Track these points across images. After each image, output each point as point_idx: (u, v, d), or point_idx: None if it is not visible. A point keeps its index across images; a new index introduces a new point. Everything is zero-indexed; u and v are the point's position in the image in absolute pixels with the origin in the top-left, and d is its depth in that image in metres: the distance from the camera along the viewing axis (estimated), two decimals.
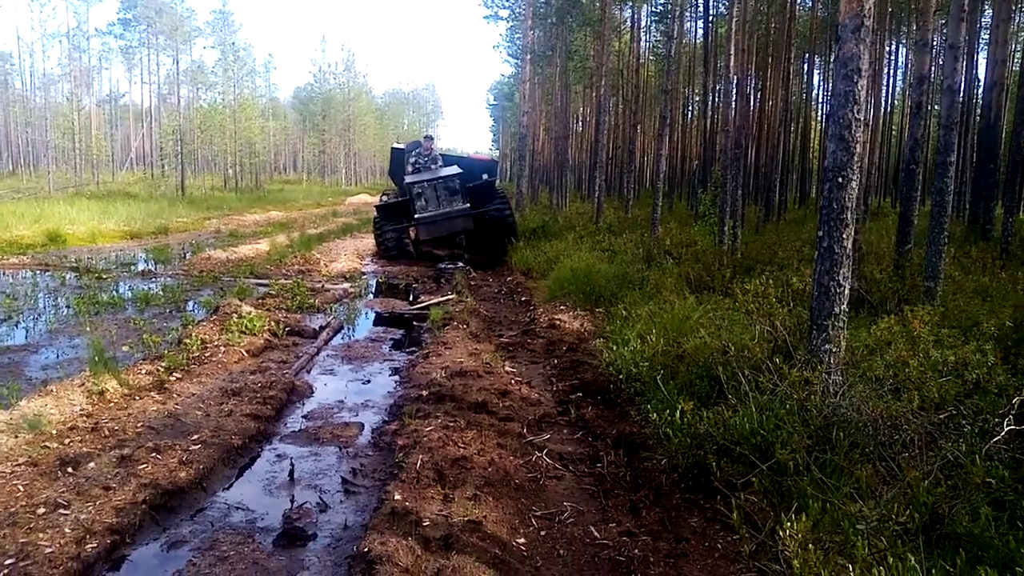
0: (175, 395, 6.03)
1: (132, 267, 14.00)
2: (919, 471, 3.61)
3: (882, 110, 33.39)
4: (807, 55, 27.22)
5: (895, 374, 4.38)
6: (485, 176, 16.77)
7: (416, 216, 15.47)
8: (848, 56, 4.56)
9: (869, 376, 4.47)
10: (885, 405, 4.06)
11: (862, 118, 4.63)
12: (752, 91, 29.38)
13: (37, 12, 55.34)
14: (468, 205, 15.63)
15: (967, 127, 22.15)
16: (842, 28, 4.60)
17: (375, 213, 17.56)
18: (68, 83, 45.74)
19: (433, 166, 16.67)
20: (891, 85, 32.64)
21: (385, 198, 17.04)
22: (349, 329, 9.46)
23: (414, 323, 9.80)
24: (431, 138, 17.14)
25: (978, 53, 24.39)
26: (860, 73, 4.55)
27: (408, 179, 15.75)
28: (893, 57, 32.23)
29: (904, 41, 31.06)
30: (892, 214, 21.12)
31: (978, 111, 20.69)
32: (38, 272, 12.89)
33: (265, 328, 8.36)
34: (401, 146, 17.82)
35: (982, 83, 20.85)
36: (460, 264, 15.09)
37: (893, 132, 35.39)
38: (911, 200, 8.78)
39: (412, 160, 16.58)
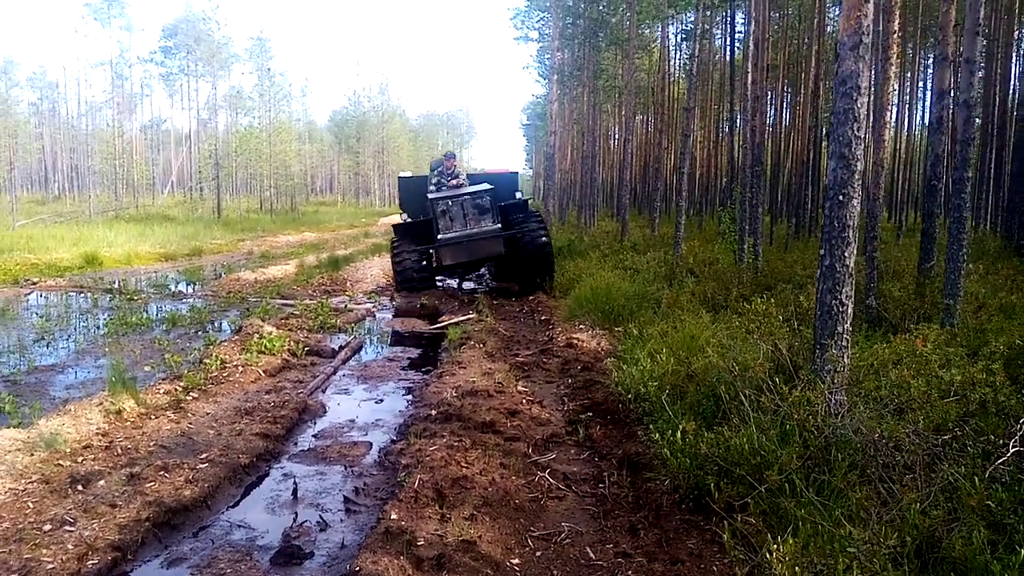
0: (190, 414, 6.16)
1: (164, 288, 14.35)
2: (917, 493, 3.55)
3: (915, 125, 32.91)
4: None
5: (898, 394, 4.30)
6: (489, 188, 14.02)
7: (439, 236, 13.26)
8: (847, 74, 4.54)
9: (872, 396, 4.40)
10: (886, 426, 3.99)
11: (863, 136, 4.60)
12: (783, 107, 29.24)
13: (82, 42, 57.35)
14: (500, 226, 13.47)
15: (1003, 142, 21.69)
16: (841, 46, 4.59)
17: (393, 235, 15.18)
18: (111, 110, 47.20)
19: (455, 185, 14.39)
20: (924, 100, 32.16)
21: (406, 217, 14.80)
22: (367, 349, 9.57)
23: (432, 343, 9.87)
24: (453, 155, 15.00)
25: (1012, 65, 23.91)
26: (860, 91, 4.52)
27: (432, 195, 13.61)
28: (927, 72, 31.81)
29: (937, 55, 30.60)
30: None
31: (1013, 126, 20.25)
32: (73, 294, 13.28)
33: (284, 348, 8.50)
34: (408, 175, 16.11)
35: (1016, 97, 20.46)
36: (480, 287, 14.46)
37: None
38: (933, 216, 8.63)
39: (435, 180, 14.48)
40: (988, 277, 9.89)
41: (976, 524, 3.28)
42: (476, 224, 13.33)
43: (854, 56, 4.59)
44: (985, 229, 22.18)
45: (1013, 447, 3.76)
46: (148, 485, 4.47)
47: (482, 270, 16.90)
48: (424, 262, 13.74)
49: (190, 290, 14.22)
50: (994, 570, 2.91)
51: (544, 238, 13.68)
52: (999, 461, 3.70)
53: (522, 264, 13.92)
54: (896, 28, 9.55)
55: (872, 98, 10.21)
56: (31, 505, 4.17)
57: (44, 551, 3.65)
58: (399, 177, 16.00)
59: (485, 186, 13.70)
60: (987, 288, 8.75)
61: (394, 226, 14.72)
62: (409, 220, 14.35)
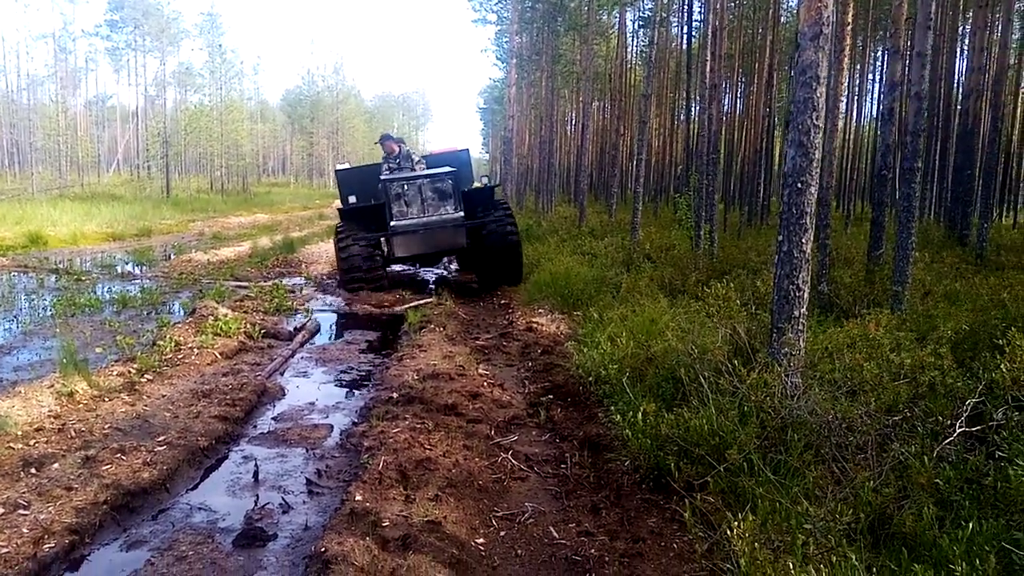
0: (145, 397, 6.03)
1: (112, 269, 13.95)
2: (869, 472, 3.69)
3: (866, 116, 33.74)
4: (792, 61, 27.45)
5: (851, 377, 4.45)
6: (451, 170, 12.29)
7: (393, 223, 11.61)
8: (807, 63, 4.64)
9: (827, 379, 4.54)
10: (840, 407, 4.13)
11: (821, 124, 4.71)
12: (739, 97, 29.68)
13: (22, 13, 55.09)
14: (462, 215, 11.92)
15: (948, 134, 22.39)
16: (801, 36, 4.68)
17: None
18: (54, 84, 45.52)
19: (411, 166, 12.68)
20: (874, 92, 32.98)
21: (352, 199, 12.52)
22: (325, 331, 9.48)
23: (391, 326, 9.82)
24: (388, 137, 13.02)
25: (958, 60, 24.65)
26: (819, 80, 4.62)
27: (385, 176, 11.98)
28: (877, 64, 32.60)
29: (889, 48, 31.38)
30: None
31: (956, 118, 20.93)
32: (17, 274, 12.84)
33: (240, 330, 8.37)
34: (346, 166, 13.80)
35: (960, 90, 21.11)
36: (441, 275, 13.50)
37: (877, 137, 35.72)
38: (882, 206, 8.89)
39: (385, 167, 12.65)
40: (933, 265, 10.23)
41: (925, 501, 3.42)
42: (436, 211, 11.76)
43: (814, 46, 4.68)
44: (929, 219, 22.90)
45: (960, 427, 3.92)
46: (105, 468, 4.38)
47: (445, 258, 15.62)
48: (375, 253, 11.91)
49: (140, 271, 13.85)
50: (942, 544, 3.04)
51: (513, 232, 12.04)
52: (946, 441, 3.86)
53: (486, 259, 12.24)
54: (849, 20, 9.77)
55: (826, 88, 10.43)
56: None
57: None
58: (336, 170, 13.65)
59: (447, 169, 12.11)
60: (932, 276, 9.05)
61: (340, 210, 12.81)
62: (357, 204, 12.43)
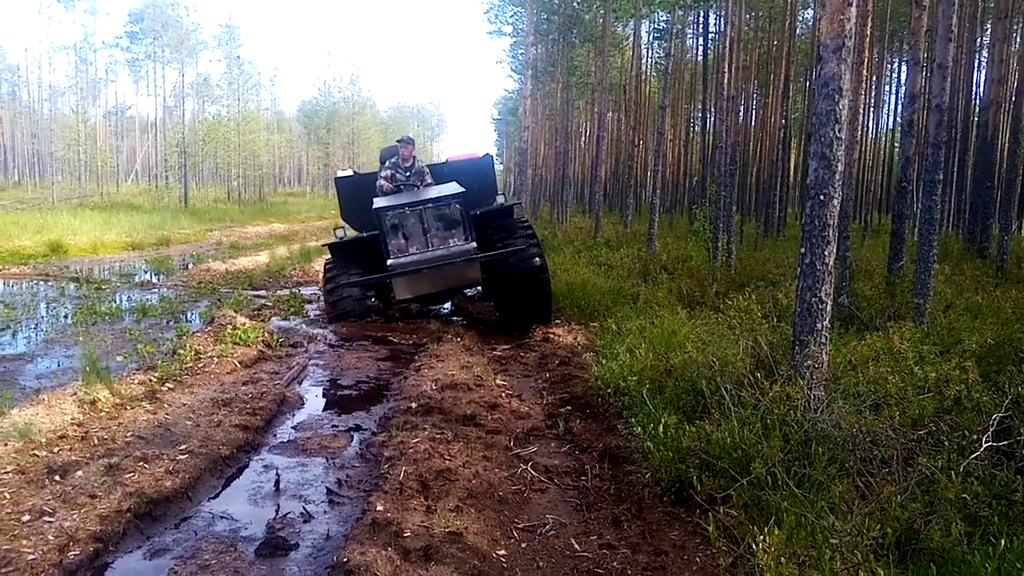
0: (166, 405, 6.08)
1: (132, 278, 14.09)
2: (896, 487, 3.65)
3: (883, 128, 33.58)
4: (808, 72, 27.41)
5: (876, 390, 4.41)
6: (458, 192, 9.86)
7: (390, 262, 9.48)
8: (829, 76, 4.63)
9: (850, 392, 4.51)
10: (865, 421, 4.10)
11: (844, 136, 4.70)
12: (753, 108, 29.63)
13: (45, 25, 56.03)
14: (475, 244, 9.66)
15: (966, 145, 22.24)
16: (823, 48, 4.68)
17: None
18: (74, 95, 46.16)
19: (419, 184, 10.39)
20: (890, 103, 32.84)
21: (342, 231, 10.64)
22: (343, 341, 9.50)
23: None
24: (410, 140, 10.67)
25: (976, 72, 24.52)
26: (841, 92, 4.62)
27: (378, 203, 9.73)
28: (893, 75, 32.49)
29: (907, 60, 31.28)
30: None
31: (974, 130, 20.80)
32: (38, 282, 12.99)
33: (259, 339, 8.42)
34: (348, 173, 11.57)
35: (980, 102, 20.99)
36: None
37: (896, 150, 35.56)
38: (903, 218, 8.84)
39: (386, 174, 10.35)
40: (954, 278, 10.15)
41: (953, 516, 3.38)
42: (442, 242, 9.59)
43: (837, 58, 4.68)
44: (948, 231, 22.72)
45: (986, 442, 3.89)
46: (128, 476, 4.40)
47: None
48: (370, 297, 10.10)
49: (159, 280, 13.98)
50: (972, 561, 3.00)
51: (537, 258, 9.75)
52: (973, 455, 3.83)
53: (508, 295, 9.95)
54: (867, 32, 9.75)
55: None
56: (8, 496, 4.08)
57: (24, 542, 3.57)
58: (336, 178, 11.53)
59: (452, 188, 9.88)
60: (953, 288, 8.98)
61: (329, 245, 10.75)
62: (345, 238, 10.47)
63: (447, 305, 12.35)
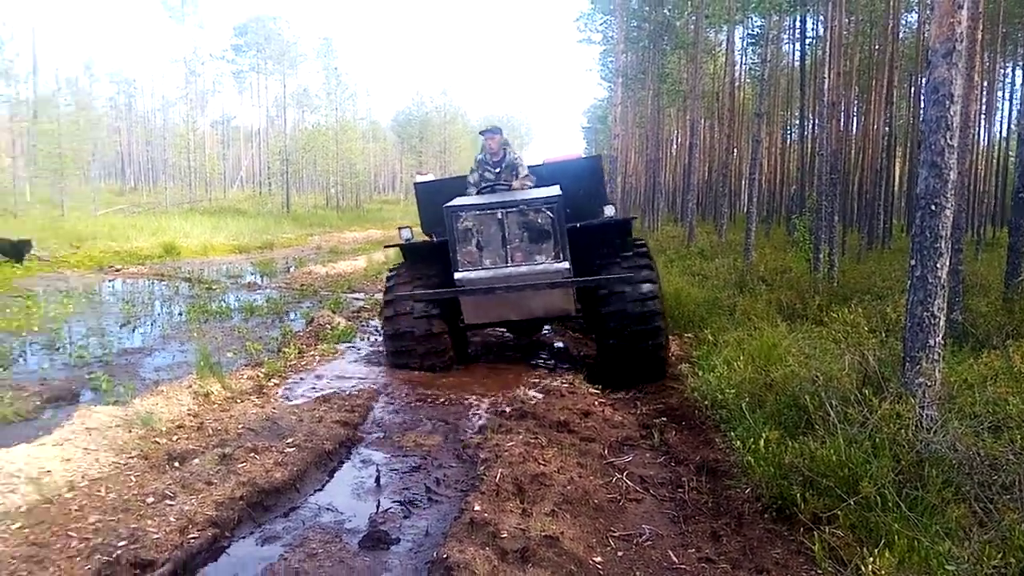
0: (272, 400, 6.37)
1: (239, 279, 14.82)
2: (1019, 514, 3.45)
3: (996, 136, 31.70)
4: (913, 77, 26.18)
5: (994, 412, 4.18)
6: (554, 195, 7.45)
7: (458, 275, 7.41)
8: (939, 81, 4.44)
9: (966, 413, 4.29)
10: (983, 443, 3.89)
11: (955, 144, 4.49)
12: (855, 115, 28.50)
13: (158, 40, 59.83)
14: (567, 265, 7.34)
15: None
16: (932, 53, 4.49)
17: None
18: (185, 105, 48.83)
19: (510, 183, 8.22)
20: (1004, 109, 30.99)
21: (408, 231, 8.33)
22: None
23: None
24: (497, 131, 8.49)
25: None
26: (952, 99, 4.41)
27: (451, 203, 7.60)
28: (1007, 80, 30.64)
29: (1022, 64, 29.49)
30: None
31: None
32: (154, 281, 13.83)
33: (356, 338, 8.69)
34: (428, 178, 9.65)
35: None
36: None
37: (1011, 158, 33.50)
38: (1021, 230, 8.33)
39: (474, 178, 8.49)
40: None
41: None
42: (526, 258, 7.38)
43: (947, 63, 4.48)
44: None
45: None
46: (240, 466, 4.64)
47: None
48: (434, 318, 7.75)
49: (264, 281, 14.64)
50: None
51: (651, 300, 7.39)
52: None
53: (609, 340, 7.53)
54: (979, 35, 9.26)
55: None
56: (134, 479, 4.38)
57: (149, 522, 3.83)
58: (415, 183, 9.33)
59: (548, 191, 7.66)
60: None
61: (394, 245, 8.84)
62: (411, 240, 8.21)
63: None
